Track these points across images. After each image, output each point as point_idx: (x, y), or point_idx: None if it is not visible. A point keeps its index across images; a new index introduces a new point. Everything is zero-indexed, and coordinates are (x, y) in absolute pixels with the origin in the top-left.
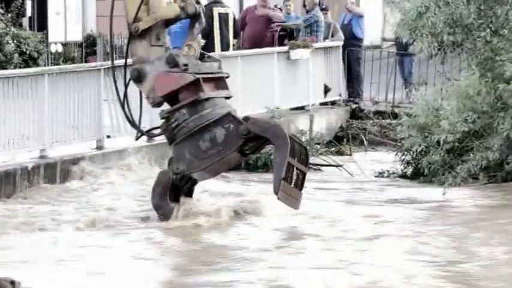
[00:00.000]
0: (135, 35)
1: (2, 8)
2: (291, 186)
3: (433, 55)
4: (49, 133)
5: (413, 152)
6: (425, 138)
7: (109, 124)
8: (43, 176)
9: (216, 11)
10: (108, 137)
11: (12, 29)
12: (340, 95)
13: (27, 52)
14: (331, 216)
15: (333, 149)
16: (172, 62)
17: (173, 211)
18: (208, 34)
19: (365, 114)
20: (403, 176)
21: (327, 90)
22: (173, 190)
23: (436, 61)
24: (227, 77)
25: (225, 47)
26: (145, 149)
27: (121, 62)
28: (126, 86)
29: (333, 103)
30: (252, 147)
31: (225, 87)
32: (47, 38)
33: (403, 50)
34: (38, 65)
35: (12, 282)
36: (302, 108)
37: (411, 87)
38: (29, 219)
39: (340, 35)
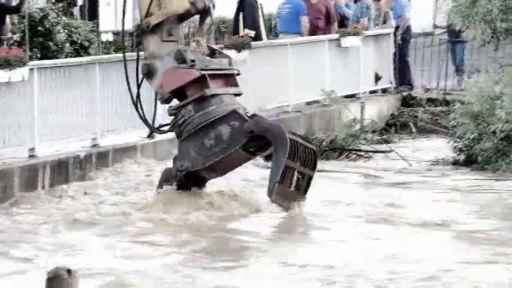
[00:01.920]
0: (146, 30)
1: None
2: (288, 189)
3: (486, 42)
4: (101, 122)
5: (465, 140)
6: (478, 125)
7: (161, 112)
8: (95, 165)
9: (259, 1)
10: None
11: (64, 18)
12: (391, 83)
13: (78, 41)
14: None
15: (384, 136)
16: (180, 58)
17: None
18: (256, 25)
19: (416, 101)
20: (456, 163)
21: (377, 78)
22: (182, 188)
23: (490, 48)
24: (238, 74)
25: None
26: None
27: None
28: (139, 84)
29: (384, 91)
30: (257, 145)
31: (234, 84)
32: (97, 27)
33: (454, 37)
34: (89, 54)
35: (69, 271)
36: (353, 96)
37: (463, 75)
38: None
39: (392, 22)
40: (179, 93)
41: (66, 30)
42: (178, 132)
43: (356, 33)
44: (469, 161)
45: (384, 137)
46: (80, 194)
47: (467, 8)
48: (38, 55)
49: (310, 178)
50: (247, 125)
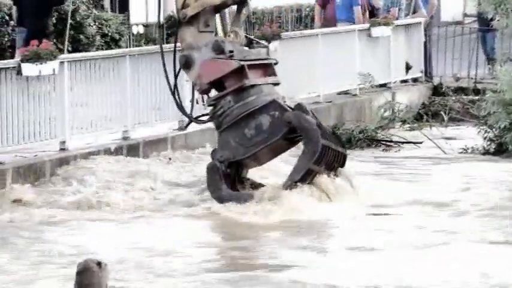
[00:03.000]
0: (183, 22)
1: None
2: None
3: None
4: (131, 115)
5: (496, 129)
6: (509, 114)
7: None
8: (126, 156)
9: None
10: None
11: (94, 11)
12: (421, 72)
13: (109, 34)
14: None
15: (415, 125)
16: (218, 49)
17: (243, 195)
18: None
19: (447, 90)
20: (486, 152)
21: (408, 67)
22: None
23: None
24: (275, 64)
25: None
26: None
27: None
28: (176, 74)
29: (414, 80)
30: (298, 135)
31: (273, 74)
32: (128, 19)
33: (485, 26)
34: (119, 47)
35: (99, 263)
36: (384, 85)
37: (494, 64)
38: None
39: (423, 11)
40: (218, 84)
41: (96, 23)
42: (218, 123)
43: (386, 23)
44: (500, 150)
45: (415, 125)
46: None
47: None
48: (69, 48)
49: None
50: (287, 115)
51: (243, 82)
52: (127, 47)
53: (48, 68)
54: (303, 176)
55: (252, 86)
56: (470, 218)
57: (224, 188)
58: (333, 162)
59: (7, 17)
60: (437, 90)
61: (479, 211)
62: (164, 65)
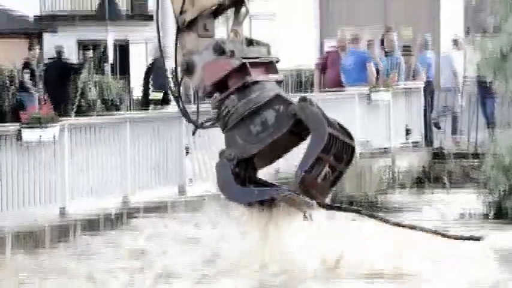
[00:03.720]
0: (182, 28)
1: (84, 55)
2: (314, 181)
3: None
4: (132, 179)
5: (496, 193)
6: (509, 178)
7: (191, 171)
8: (126, 222)
9: (168, 64)
10: (190, 182)
11: (95, 76)
12: (421, 136)
13: (110, 99)
14: None
15: (415, 190)
16: (219, 50)
17: (254, 193)
18: (163, 87)
19: (447, 155)
20: (486, 217)
21: (408, 132)
22: (236, 179)
23: None
24: (277, 62)
25: None
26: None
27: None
28: (179, 82)
29: (414, 145)
30: (304, 128)
31: (275, 71)
32: (129, 83)
33: (485, 90)
34: (119, 111)
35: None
36: (384, 150)
37: (494, 128)
38: None
39: (422, 76)
40: (221, 85)
41: (97, 88)
42: (224, 124)
43: (386, 88)
44: (500, 215)
45: (415, 190)
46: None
47: (498, 60)
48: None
49: (340, 173)
50: (292, 108)
51: (246, 79)
52: (128, 111)
53: (48, 133)
54: (312, 166)
55: (255, 82)
56: None
57: (233, 186)
58: (342, 153)
59: (8, 82)
60: (437, 155)
61: None
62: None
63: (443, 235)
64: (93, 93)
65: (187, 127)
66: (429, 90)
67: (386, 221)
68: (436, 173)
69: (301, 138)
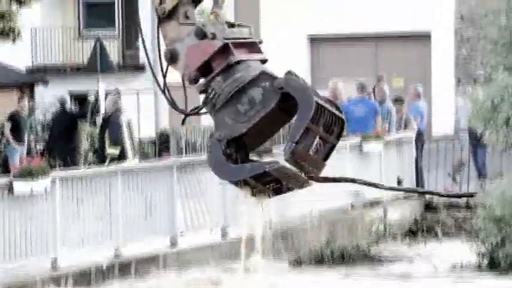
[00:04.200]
0: (163, 18)
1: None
2: (305, 152)
3: (509, 147)
4: (123, 231)
5: (488, 244)
6: (501, 230)
7: (182, 222)
8: (118, 275)
9: (123, 118)
10: (182, 233)
11: (88, 127)
12: (413, 187)
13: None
14: None
15: (407, 241)
16: (200, 33)
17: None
18: (119, 142)
19: (439, 206)
20: (479, 267)
21: (400, 182)
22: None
23: None
24: (260, 42)
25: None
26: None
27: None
28: (164, 73)
29: (406, 196)
30: (292, 104)
31: (259, 51)
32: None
33: (476, 141)
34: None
35: None
36: (376, 201)
37: (485, 179)
38: None
39: (414, 126)
40: (205, 69)
41: (89, 140)
42: (212, 106)
43: (377, 138)
44: (493, 265)
45: (407, 241)
46: None
47: (489, 112)
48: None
49: (332, 146)
50: (278, 81)
51: (229, 59)
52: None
53: (40, 185)
54: (302, 136)
55: (239, 62)
56: None
57: (226, 165)
58: (332, 125)
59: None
60: (429, 206)
61: None
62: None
63: (439, 194)
64: (84, 144)
65: (179, 178)
66: (420, 140)
67: (381, 187)
68: (428, 224)
69: (291, 115)
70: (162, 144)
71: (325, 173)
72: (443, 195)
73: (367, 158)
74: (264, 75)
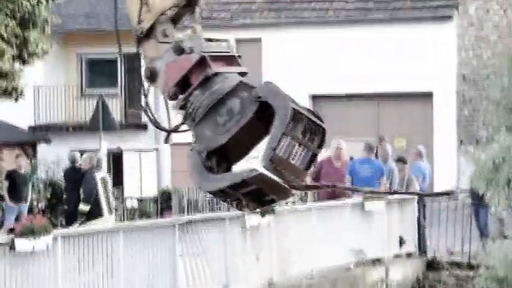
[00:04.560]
0: (141, 37)
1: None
2: (284, 160)
3: (510, 207)
4: None
5: None
6: None
7: (184, 280)
8: None
9: (98, 176)
10: None
11: None
12: (415, 246)
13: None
14: None
15: None
16: (178, 49)
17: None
18: (91, 199)
19: (441, 265)
20: None
21: (402, 241)
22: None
23: None
24: (239, 56)
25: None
26: None
27: None
28: (145, 92)
29: (408, 254)
30: (272, 113)
31: (237, 64)
32: (122, 193)
33: (478, 201)
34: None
35: None
36: (378, 260)
37: (487, 239)
38: None
39: (416, 186)
40: (185, 85)
41: None
42: (191, 121)
43: (379, 198)
44: None
45: None
46: None
47: (491, 172)
48: (63, 222)
49: (314, 155)
50: (255, 91)
51: (207, 72)
52: (121, 221)
53: (41, 243)
54: (279, 143)
55: (217, 74)
56: None
57: (204, 174)
58: (312, 133)
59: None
60: (431, 265)
61: None
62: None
63: (419, 194)
64: None
65: (181, 237)
66: (422, 200)
67: (360, 190)
68: (431, 283)
69: (268, 125)
70: (164, 203)
71: (326, 229)
72: (420, 195)
73: (370, 216)
74: (242, 86)
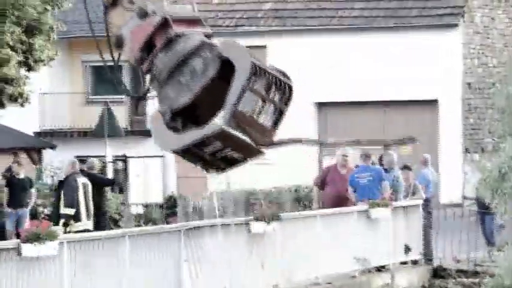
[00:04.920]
0: (109, 6)
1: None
2: (247, 116)
3: None
4: None
5: None
6: None
7: (189, 285)
8: None
9: (80, 181)
10: None
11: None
12: (421, 254)
13: (109, 214)
14: None
15: None
16: (141, 13)
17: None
18: (74, 203)
19: (447, 273)
20: None
21: (407, 249)
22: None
23: None
24: (202, 19)
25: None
26: None
27: None
28: (115, 60)
29: (414, 262)
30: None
31: (202, 25)
32: (127, 200)
33: (483, 209)
34: (119, 227)
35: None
36: (383, 267)
37: (493, 247)
38: None
39: (421, 194)
40: (150, 49)
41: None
42: (157, 84)
43: (385, 205)
44: None
45: None
46: None
47: (496, 181)
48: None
49: (281, 112)
50: (217, 49)
51: (169, 32)
52: (126, 227)
53: (47, 249)
54: (240, 97)
55: (179, 35)
56: None
57: (170, 131)
58: (277, 91)
59: None
60: (437, 273)
61: None
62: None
63: (384, 143)
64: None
65: (186, 242)
66: (428, 207)
67: (321, 143)
68: None
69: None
70: (169, 209)
71: (332, 236)
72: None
73: (375, 224)
74: (204, 45)
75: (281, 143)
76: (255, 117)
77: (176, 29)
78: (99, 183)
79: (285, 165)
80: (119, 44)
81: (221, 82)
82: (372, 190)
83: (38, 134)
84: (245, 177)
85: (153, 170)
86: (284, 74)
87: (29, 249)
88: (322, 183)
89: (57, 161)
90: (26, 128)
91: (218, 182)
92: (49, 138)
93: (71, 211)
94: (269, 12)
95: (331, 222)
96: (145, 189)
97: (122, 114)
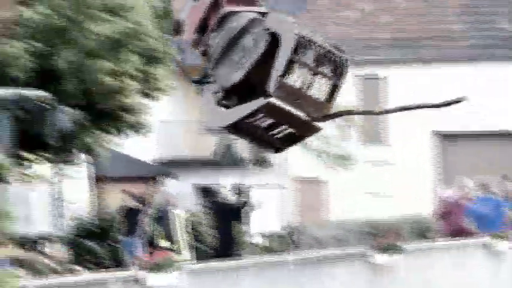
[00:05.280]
0: None
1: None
2: (295, 88)
3: None
4: None
5: None
6: None
7: None
8: None
9: (174, 212)
10: None
11: None
12: None
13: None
14: None
15: None
16: None
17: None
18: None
19: None
20: None
21: None
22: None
23: None
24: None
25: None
26: None
27: None
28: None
29: None
30: None
31: (257, 5)
32: (249, 229)
33: None
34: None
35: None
36: None
37: None
38: None
39: None
40: (204, 30)
41: None
42: (213, 64)
43: (504, 237)
44: None
45: None
46: None
47: None
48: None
49: (335, 86)
50: (263, 24)
51: (220, 11)
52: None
53: (167, 278)
54: (288, 70)
55: (231, 13)
56: None
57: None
58: (329, 64)
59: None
60: None
61: None
62: None
63: (427, 106)
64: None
65: (304, 271)
66: None
67: (371, 113)
68: None
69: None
70: (288, 239)
71: (457, 276)
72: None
73: (498, 257)
74: (254, 22)
75: (334, 115)
76: (304, 90)
77: (228, 7)
78: (228, 210)
79: (402, 197)
80: (177, 29)
81: (269, 55)
82: (492, 222)
83: (156, 163)
84: (363, 208)
85: (272, 200)
86: (337, 47)
87: (153, 279)
88: (443, 215)
89: (175, 190)
90: (144, 156)
91: (340, 211)
92: (166, 167)
93: (167, 243)
94: (388, 42)
95: (456, 255)
96: (264, 219)
97: (240, 143)
